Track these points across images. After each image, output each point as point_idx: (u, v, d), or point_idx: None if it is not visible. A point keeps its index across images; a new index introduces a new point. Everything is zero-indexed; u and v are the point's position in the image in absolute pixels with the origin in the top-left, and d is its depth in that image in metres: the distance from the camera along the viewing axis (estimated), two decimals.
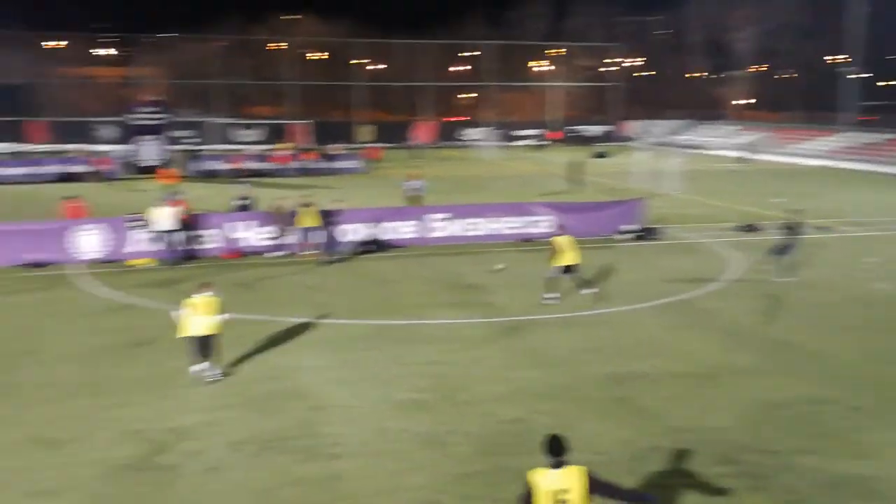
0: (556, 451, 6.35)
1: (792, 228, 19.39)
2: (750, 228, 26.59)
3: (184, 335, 12.36)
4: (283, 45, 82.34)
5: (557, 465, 6.33)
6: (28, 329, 15.43)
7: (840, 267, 21.09)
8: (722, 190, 38.62)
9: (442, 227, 24.28)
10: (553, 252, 17.15)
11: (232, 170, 45.17)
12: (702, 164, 51.73)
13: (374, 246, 23.15)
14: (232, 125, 68.57)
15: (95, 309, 16.84)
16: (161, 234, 20.91)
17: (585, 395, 12.10)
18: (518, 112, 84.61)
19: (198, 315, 12.26)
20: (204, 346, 12.32)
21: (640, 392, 12.17)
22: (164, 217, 20.89)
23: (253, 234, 22.65)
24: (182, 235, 21.41)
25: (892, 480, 9.39)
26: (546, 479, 6.29)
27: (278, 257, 22.12)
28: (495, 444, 10.37)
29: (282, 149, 51.11)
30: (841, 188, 40.65)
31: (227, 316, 12.64)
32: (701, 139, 70.95)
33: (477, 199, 32.85)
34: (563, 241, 17.12)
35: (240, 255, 22.23)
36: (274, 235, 22.24)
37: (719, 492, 9.11)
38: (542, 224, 24.66)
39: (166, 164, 43.25)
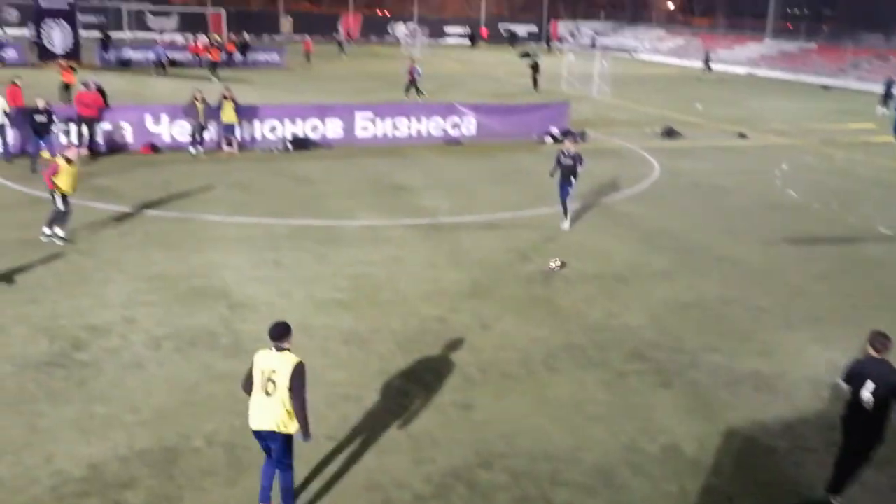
0: (275, 336, 6.70)
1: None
2: (670, 133, 27.08)
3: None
4: None
5: (278, 349, 6.70)
6: None
7: (755, 173, 21.79)
8: (647, 95, 38.93)
9: (366, 126, 23.85)
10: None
11: (147, 60, 42.89)
12: (631, 68, 51.89)
13: (295, 144, 22.68)
14: (146, 12, 64.94)
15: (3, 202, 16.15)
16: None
17: (504, 294, 12.38)
18: (447, 8, 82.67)
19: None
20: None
21: (556, 292, 12.52)
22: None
23: (169, 128, 21.86)
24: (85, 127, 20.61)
25: (787, 376, 10.02)
26: (264, 358, 6.72)
27: (198, 154, 21.44)
28: (416, 342, 10.57)
29: (204, 41, 48.10)
30: (762, 96, 41.48)
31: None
32: (629, 42, 70.93)
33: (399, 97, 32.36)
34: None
35: (153, 149, 21.48)
36: (192, 130, 21.41)
37: (630, 387, 9.57)
38: (467, 125, 24.64)
39: (74, 51, 40.78)
